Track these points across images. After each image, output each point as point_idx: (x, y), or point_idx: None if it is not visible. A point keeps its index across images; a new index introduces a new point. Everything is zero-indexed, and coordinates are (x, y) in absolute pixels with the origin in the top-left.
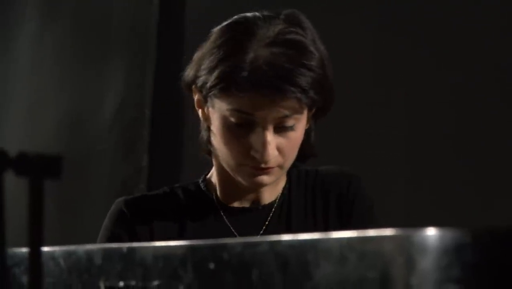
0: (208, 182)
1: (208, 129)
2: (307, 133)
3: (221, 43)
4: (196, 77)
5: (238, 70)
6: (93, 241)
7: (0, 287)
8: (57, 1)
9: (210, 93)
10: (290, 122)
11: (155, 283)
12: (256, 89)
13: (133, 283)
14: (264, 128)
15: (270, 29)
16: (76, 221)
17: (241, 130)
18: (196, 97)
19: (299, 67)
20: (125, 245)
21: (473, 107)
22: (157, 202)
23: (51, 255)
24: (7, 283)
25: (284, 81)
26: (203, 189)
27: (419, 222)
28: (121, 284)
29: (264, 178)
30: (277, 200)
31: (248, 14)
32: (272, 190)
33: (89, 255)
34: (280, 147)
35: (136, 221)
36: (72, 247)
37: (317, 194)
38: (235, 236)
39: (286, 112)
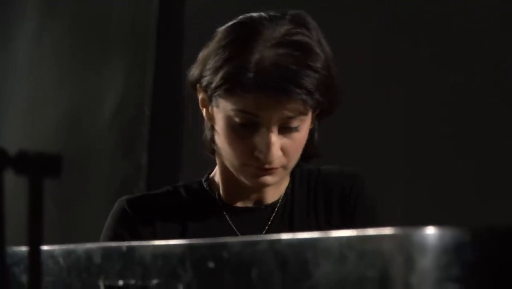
0: (211, 181)
1: (212, 128)
2: (311, 133)
3: (227, 43)
4: (200, 76)
5: (243, 71)
6: (93, 239)
7: (0, 286)
8: (56, 1)
9: (214, 94)
10: (294, 123)
11: (154, 282)
12: (261, 90)
13: (132, 282)
14: (269, 129)
15: (276, 30)
16: (75, 219)
17: (245, 131)
18: (200, 96)
19: (304, 68)
20: (125, 244)
21: (473, 107)
22: (159, 201)
23: (50, 253)
24: (7, 282)
25: (290, 83)
26: (206, 188)
27: (419, 222)
28: (121, 283)
29: (268, 178)
30: (280, 200)
31: (254, 14)
32: (275, 189)
33: (89, 254)
34: (284, 147)
35: (138, 220)
36: (71, 246)
37: (319, 194)
38: (238, 236)
39: (291, 113)
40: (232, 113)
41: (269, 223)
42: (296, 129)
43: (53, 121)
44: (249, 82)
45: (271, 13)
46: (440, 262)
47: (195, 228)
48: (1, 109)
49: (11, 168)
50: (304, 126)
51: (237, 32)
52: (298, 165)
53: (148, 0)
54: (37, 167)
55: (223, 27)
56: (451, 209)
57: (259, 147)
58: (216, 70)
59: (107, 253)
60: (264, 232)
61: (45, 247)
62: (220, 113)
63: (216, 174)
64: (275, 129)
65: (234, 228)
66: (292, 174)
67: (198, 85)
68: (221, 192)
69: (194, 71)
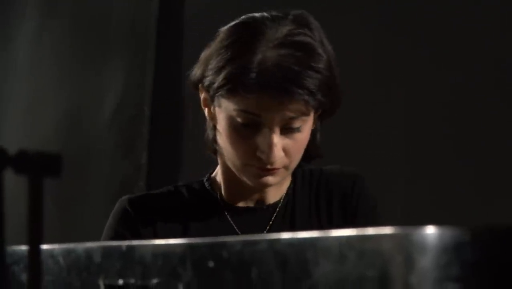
0: (213, 181)
1: (214, 128)
2: (313, 134)
3: (229, 43)
4: (203, 76)
5: (245, 72)
6: (93, 239)
7: (0, 285)
8: (56, 1)
9: (217, 94)
10: (296, 124)
11: (154, 281)
12: (263, 91)
13: (132, 281)
14: (271, 130)
15: (278, 30)
16: (75, 218)
17: (248, 131)
18: (202, 96)
19: (307, 69)
20: (124, 243)
21: (473, 107)
22: (161, 201)
23: (50, 253)
24: (7, 281)
25: (292, 84)
26: (207, 188)
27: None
28: (121, 282)
29: (270, 179)
30: (281, 200)
31: (256, 14)
32: (276, 189)
33: (89, 253)
34: (286, 148)
35: (140, 220)
36: (71, 245)
37: (321, 194)
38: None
39: (293, 114)
40: (234, 113)
41: (271, 223)
42: (298, 130)
43: (53, 121)
44: (251, 82)
45: (274, 13)
46: (440, 261)
47: (197, 228)
48: (1, 109)
49: (11, 168)
50: (306, 127)
51: (239, 33)
52: (299, 165)
53: (148, 0)
54: (37, 166)
55: (226, 27)
56: (451, 209)
57: (261, 147)
58: (218, 71)
59: (107, 252)
60: (265, 232)
61: (45, 246)
62: (222, 113)
63: (218, 174)
64: (277, 130)
65: (235, 228)
66: (294, 174)
67: (200, 85)
68: (222, 191)
69: (196, 71)
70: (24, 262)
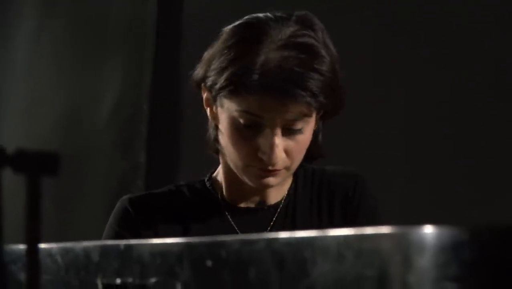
0: (214, 181)
1: (216, 128)
2: (315, 134)
3: (232, 44)
4: (205, 76)
5: (248, 73)
6: (91, 238)
7: None
8: (54, 1)
9: (219, 94)
10: (298, 125)
11: (152, 280)
12: (266, 92)
13: (130, 280)
14: (272, 131)
15: (282, 31)
16: (73, 217)
17: (249, 132)
18: (204, 95)
19: (309, 71)
20: (122, 242)
21: (473, 107)
22: (162, 201)
23: (48, 252)
24: (4, 280)
25: (295, 86)
26: (208, 187)
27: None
28: (118, 281)
29: (271, 180)
30: (283, 200)
31: (260, 15)
32: (278, 190)
33: (86, 252)
34: (287, 149)
35: (140, 220)
36: (69, 244)
37: (323, 194)
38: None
39: (295, 115)
40: (236, 114)
41: (272, 223)
42: (300, 131)
43: (51, 120)
44: (254, 84)
45: (277, 13)
46: (438, 261)
47: (197, 229)
48: (0, 107)
49: (9, 166)
50: (308, 128)
51: (242, 33)
52: (301, 165)
53: None
54: (35, 165)
55: (229, 27)
56: (451, 208)
57: (263, 148)
58: (221, 71)
59: (105, 251)
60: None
61: (43, 245)
62: (224, 113)
63: (219, 174)
64: (278, 131)
65: (236, 228)
66: (296, 174)
67: (202, 85)
68: (224, 191)
69: (198, 71)
70: (22, 261)
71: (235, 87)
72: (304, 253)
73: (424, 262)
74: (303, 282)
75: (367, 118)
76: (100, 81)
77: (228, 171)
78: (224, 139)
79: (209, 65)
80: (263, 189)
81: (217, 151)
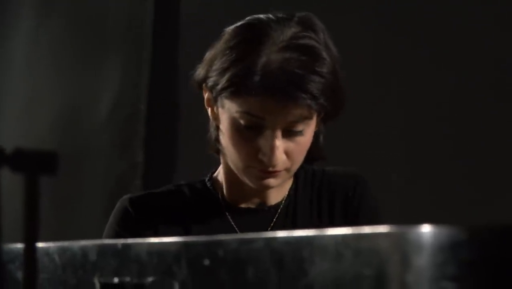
0: (215, 181)
1: (217, 128)
2: (316, 136)
3: (234, 44)
4: (206, 77)
5: (249, 74)
6: (88, 237)
7: None
8: (53, 1)
9: (220, 95)
10: (299, 127)
11: (150, 279)
12: (267, 94)
13: (127, 279)
14: (273, 132)
15: (283, 32)
16: (71, 217)
17: (250, 133)
18: (206, 96)
19: (310, 73)
20: (120, 241)
21: (473, 107)
22: (162, 200)
23: (46, 251)
24: (2, 279)
25: (296, 88)
26: (209, 187)
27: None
28: (116, 280)
29: (271, 181)
30: (283, 201)
31: (261, 16)
32: (278, 190)
33: (84, 251)
34: (288, 150)
35: (140, 220)
36: (67, 243)
37: (323, 195)
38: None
39: (296, 117)
40: (237, 115)
41: (272, 224)
42: (300, 133)
43: (50, 120)
44: (255, 85)
45: (279, 14)
46: (436, 260)
47: (197, 229)
48: None
49: (7, 165)
50: (308, 130)
51: (244, 34)
52: (302, 166)
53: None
54: (33, 164)
55: (231, 27)
56: (451, 208)
57: (263, 150)
58: (222, 72)
59: (102, 250)
60: None
61: (40, 244)
62: (225, 114)
63: (220, 173)
64: (279, 133)
65: (236, 229)
66: (296, 175)
67: (204, 85)
68: (224, 191)
69: (200, 71)
70: (19, 259)
71: (236, 89)
72: (302, 252)
73: (422, 262)
74: (302, 281)
75: (367, 119)
76: (99, 81)
77: (228, 171)
78: (225, 140)
79: (211, 65)
80: (264, 190)
81: (218, 151)
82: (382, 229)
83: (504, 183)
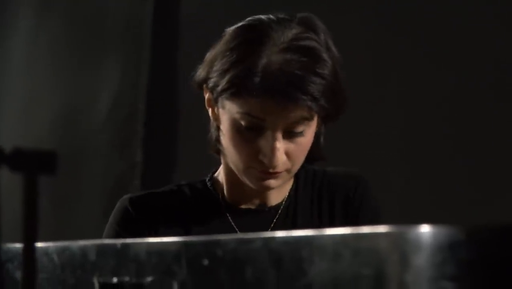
0: (215, 181)
1: (218, 129)
2: (316, 136)
3: (234, 46)
4: (207, 78)
5: (250, 76)
6: (87, 237)
7: None
8: (51, 1)
9: (221, 96)
10: (299, 128)
11: (149, 279)
12: (268, 95)
13: (126, 279)
14: (274, 133)
15: (284, 33)
16: (70, 216)
17: (251, 134)
18: (206, 96)
19: (311, 75)
20: (119, 241)
21: (473, 107)
22: (162, 201)
23: (45, 250)
24: (1, 278)
25: (296, 89)
26: (210, 188)
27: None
28: (115, 280)
29: (272, 182)
30: (283, 202)
31: (262, 17)
32: (279, 191)
33: (83, 251)
34: (288, 151)
35: (140, 220)
36: (66, 243)
37: (323, 195)
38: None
39: (296, 118)
40: (237, 116)
41: (272, 225)
42: (301, 134)
43: (49, 120)
44: (256, 87)
45: (280, 15)
46: (435, 260)
47: (198, 230)
48: None
49: (6, 165)
50: (309, 131)
51: (245, 35)
52: (302, 166)
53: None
54: (32, 164)
55: (232, 28)
56: (451, 208)
57: (264, 151)
58: (223, 73)
59: (101, 250)
60: None
61: (39, 244)
62: (225, 114)
63: (220, 174)
64: (280, 134)
65: (237, 229)
66: (297, 175)
67: (204, 86)
68: (225, 192)
69: (200, 72)
70: (18, 259)
71: (236, 90)
72: (301, 252)
73: (421, 261)
74: (300, 281)
75: (367, 119)
76: (97, 81)
77: (229, 172)
78: (225, 141)
79: (211, 66)
80: (264, 191)
81: (219, 151)
82: (380, 228)
83: (504, 183)
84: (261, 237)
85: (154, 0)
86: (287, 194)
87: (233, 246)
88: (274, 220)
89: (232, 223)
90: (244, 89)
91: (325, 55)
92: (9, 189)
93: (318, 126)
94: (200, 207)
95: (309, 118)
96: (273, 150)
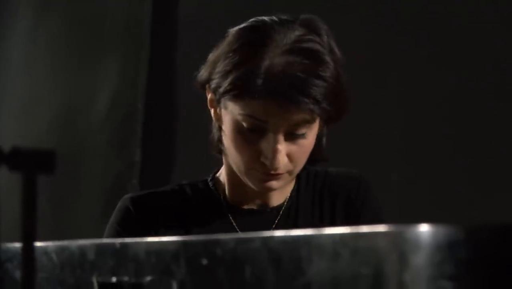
0: (217, 181)
1: (220, 129)
2: (318, 138)
3: (237, 47)
4: (210, 79)
5: (252, 78)
6: (86, 236)
7: None
8: (50, 1)
9: (223, 97)
10: (301, 131)
11: (148, 278)
12: (270, 98)
13: (126, 278)
14: (275, 136)
15: (287, 35)
16: (69, 216)
17: (253, 136)
18: (209, 96)
19: (313, 78)
20: (118, 241)
21: (473, 107)
22: (164, 200)
23: (44, 250)
24: (0, 278)
25: (298, 92)
26: (211, 187)
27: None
28: (114, 279)
29: (273, 183)
30: (285, 202)
31: (265, 18)
32: (280, 192)
33: (82, 250)
34: (290, 153)
35: (141, 220)
36: (65, 242)
37: (325, 196)
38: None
39: (299, 121)
40: (239, 117)
41: (274, 226)
42: (303, 136)
43: (47, 120)
44: (258, 88)
45: (283, 16)
46: (434, 259)
47: (199, 231)
48: None
49: (5, 164)
50: (311, 133)
51: (247, 36)
52: (304, 167)
53: None
54: (31, 163)
55: (234, 29)
56: (451, 208)
57: (265, 153)
58: (225, 74)
59: (100, 249)
60: None
61: (38, 243)
62: (228, 115)
63: (222, 174)
64: (281, 136)
65: (238, 230)
66: (298, 176)
67: (207, 86)
68: (226, 192)
69: (203, 73)
70: (17, 259)
71: (239, 92)
72: (300, 251)
73: (420, 261)
74: (299, 280)
75: (367, 119)
76: (96, 80)
77: (231, 173)
78: (227, 141)
79: (214, 67)
80: (266, 192)
81: (221, 151)
82: (379, 228)
83: (503, 183)
84: (260, 236)
85: (153, 0)
86: (289, 194)
87: (232, 246)
88: (276, 221)
89: (234, 224)
90: (247, 91)
91: (327, 58)
92: (8, 188)
93: (320, 128)
94: (201, 207)
95: (311, 121)
96: (274, 152)
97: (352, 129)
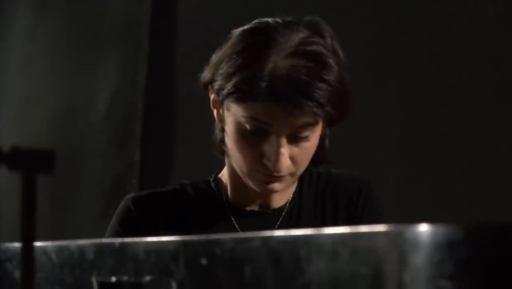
0: (219, 182)
1: (222, 130)
2: (321, 140)
3: (240, 49)
4: (213, 80)
5: (256, 80)
6: (85, 236)
7: None
8: (49, 0)
9: (226, 99)
10: (304, 133)
11: (147, 278)
12: (273, 100)
13: (125, 278)
14: (278, 138)
15: (291, 38)
16: (68, 216)
17: (255, 138)
18: (212, 97)
19: (317, 81)
20: (117, 240)
21: (472, 107)
22: (166, 201)
23: (43, 250)
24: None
25: (302, 95)
26: (213, 188)
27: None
28: (113, 279)
29: (276, 185)
30: (287, 204)
31: (269, 20)
32: (283, 193)
33: (81, 250)
34: (293, 156)
35: (142, 220)
36: (64, 242)
37: (327, 197)
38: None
39: (302, 124)
40: (242, 119)
41: (276, 227)
42: (306, 138)
43: (47, 119)
44: (261, 91)
45: (286, 18)
46: (433, 259)
47: (200, 232)
48: None
49: (4, 164)
50: (314, 135)
51: (251, 38)
52: (307, 168)
53: None
54: (30, 163)
55: (238, 30)
56: (451, 208)
57: (268, 155)
58: (228, 76)
59: (99, 249)
60: None
61: (38, 243)
62: (230, 117)
63: (224, 175)
64: (284, 138)
65: (240, 231)
66: (301, 177)
67: (210, 86)
68: (228, 193)
69: (206, 74)
70: (17, 258)
71: (242, 94)
72: (299, 251)
73: (419, 260)
74: (299, 280)
75: (367, 119)
76: (95, 80)
77: (233, 173)
78: (230, 143)
79: (217, 69)
80: (268, 193)
81: (223, 152)
82: (379, 228)
83: (503, 182)
84: (259, 236)
85: (152, 0)
86: (291, 196)
87: (231, 245)
88: (278, 222)
89: (236, 225)
90: (250, 94)
91: (331, 61)
92: (7, 188)
93: (323, 130)
94: (203, 207)
95: (314, 124)
96: (277, 155)
97: (351, 129)
